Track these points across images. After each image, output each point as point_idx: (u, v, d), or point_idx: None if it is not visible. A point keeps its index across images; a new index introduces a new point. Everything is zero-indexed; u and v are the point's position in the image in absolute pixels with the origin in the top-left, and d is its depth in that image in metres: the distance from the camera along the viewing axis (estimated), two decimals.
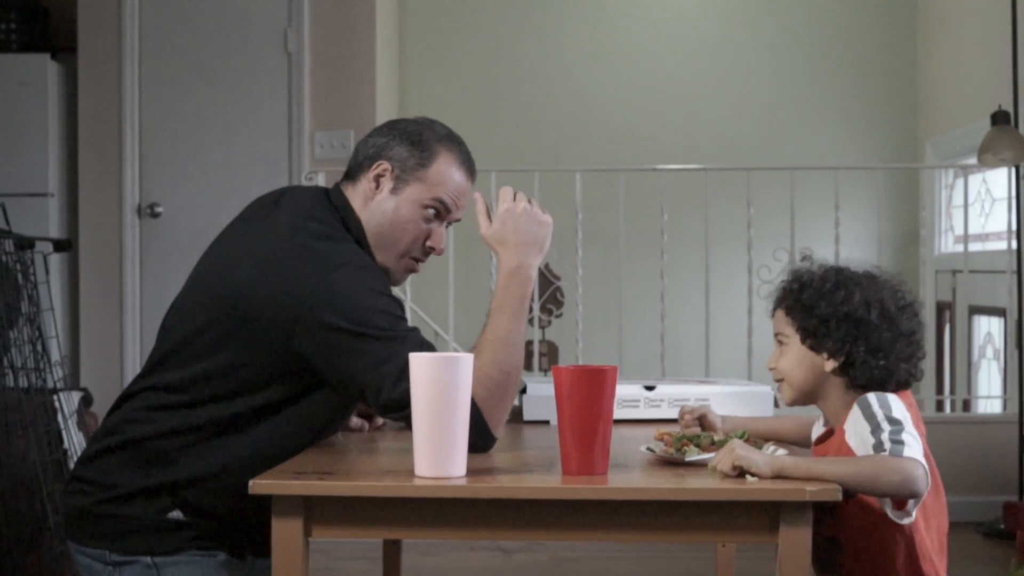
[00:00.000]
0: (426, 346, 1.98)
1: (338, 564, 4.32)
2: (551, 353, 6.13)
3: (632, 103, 7.25)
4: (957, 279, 6.04)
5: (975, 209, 6.37)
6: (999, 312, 5.78)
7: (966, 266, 5.53)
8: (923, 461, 1.79)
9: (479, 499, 1.73)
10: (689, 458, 1.87)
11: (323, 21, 5.44)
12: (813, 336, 1.99)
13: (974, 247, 6.03)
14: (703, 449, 1.88)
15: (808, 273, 2.03)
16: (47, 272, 4.01)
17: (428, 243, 2.17)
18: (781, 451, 1.85)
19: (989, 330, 6.24)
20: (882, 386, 1.96)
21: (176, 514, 2.04)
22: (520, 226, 2.06)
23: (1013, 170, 5.16)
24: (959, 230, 6.34)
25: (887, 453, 1.81)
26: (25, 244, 3.84)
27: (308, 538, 1.75)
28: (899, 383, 1.98)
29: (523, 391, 2.52)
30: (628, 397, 2.48)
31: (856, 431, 1.91)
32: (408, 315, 5.42)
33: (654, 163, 5.87)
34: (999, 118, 4.78)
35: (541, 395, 2.48)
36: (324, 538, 1.76)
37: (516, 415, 2.56)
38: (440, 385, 1.75)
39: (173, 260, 5.25)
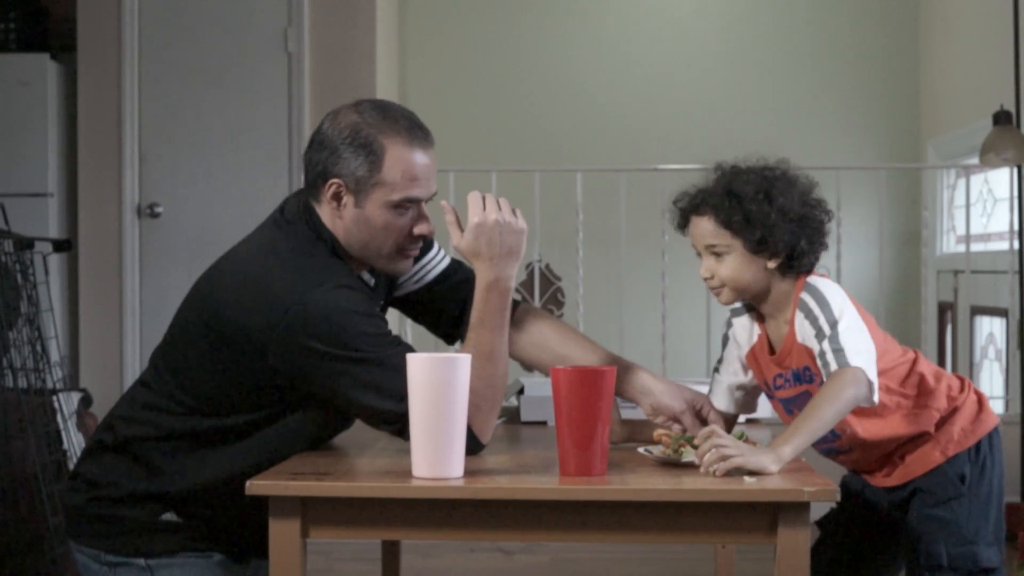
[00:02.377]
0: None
1: (337, 565, 4.31)
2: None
3: (633, 103, 7.25)
4: (959, 279, 6.03)
5: (977, 209, 6.37)
6: (1001, 312, 5.78)
7: (968, 266, 5.52)
8: (860, 364, 1.94)
9: (477, 500, 1.73)
10: (685, 459, 1.87)
11: (323, 21, 5.44)
12: (762, 243, 2.05)
13: (976, 247, 6.03)
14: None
15: (734, 185, 2.08)
16: (47, 272, 4.01)
17: (415, 232, 2.08)
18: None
19: (991, 330, 6.24)
20: (812, 266, 2.10)
21: (170, 516, 2.04)
22: (493, 239, 1.99)
23: (1015, 170, 5.15)
24: (961, 230, 6.33)
25: (833, 365, 1.95)
26: (25, 244, 3.83)
27: (305, 539, 1.75)
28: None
29: (520, 392, 2.52)
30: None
31: (805, 334, 2.04)
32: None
33: (655, 163, 5.86)
34: (1001, 118, 4.77)
35: (539, 396, 2.47)
36: (322, 539, 1.76)
37: (514, 416, 2.56)
38: (438, 386, 1.75)
39: (173, 260, 5.25)
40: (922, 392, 2.17)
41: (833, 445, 2.19)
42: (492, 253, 1.99)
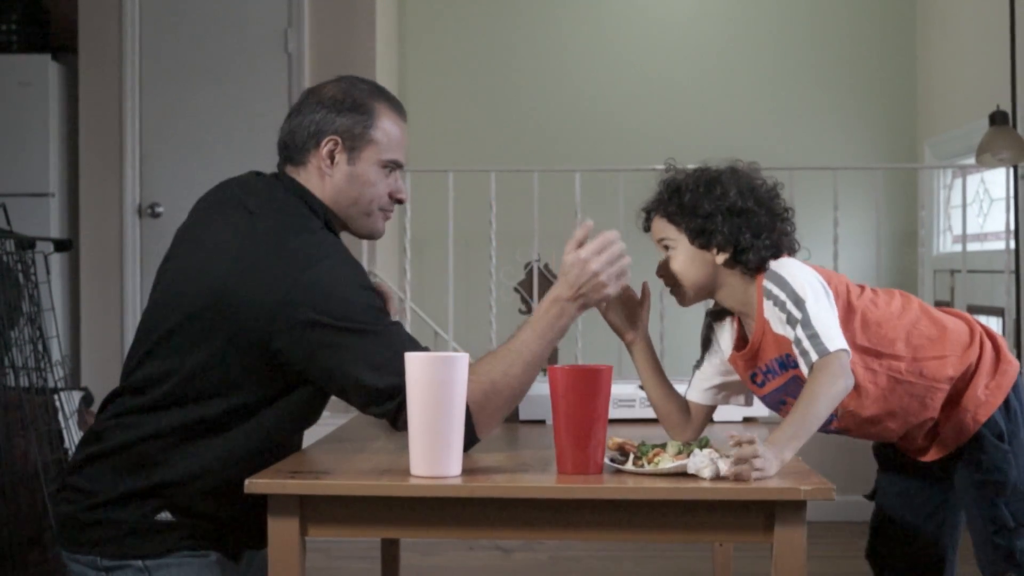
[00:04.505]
0: (408, 339, 2.00)
1: (337, 563, 4.33)
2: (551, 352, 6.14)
3: (632, 103, 7.26)
4: (955, 279, 6.05)
5: (973, 209, 6.38)
6: (997, 312, 5.79)
7: (964, 266, 5.54)
8: (840, 345, 1.92)
9: (475, 498, 1.74)
10: (665, 467, 1.81)
11: (323, 21, 5.45)
12: (701, 234, 2.06)
13: (972, 247, 6.04)
14: (673, 458, 1.83)
15: (679, 178, 2.10)
16: (48, 272, 4.01)
17: (398, 196, 2.20)
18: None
19: None
20: (765, 261, 2.05)
21: (165, 515, 2.04)
22: (584, 281, 2.05)
23: (1011, 170, 5.17)
24: (957, 230, 6.35)
25: (813, 354, 1.92)
26: (26, 244, 3.84)
27: (304, 537, 1.76)
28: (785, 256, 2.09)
29: None
30: (623, 397, 2.49)
31: (777, 320, 2.02)
32: (408, 315, 5.44)
33: (653, 163, 5.85)
34: (997, 118, 4.79)
35: (537, 394, 2.48)
36: (320, 537, 1.77)
37: (512, 414, 2.57)
38: (436, 384, 1.76)
39: None
40: (918, 356, 2.12)
41: (830, 428, 2.16)
42: (575, 283, 2.05)
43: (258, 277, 1.98)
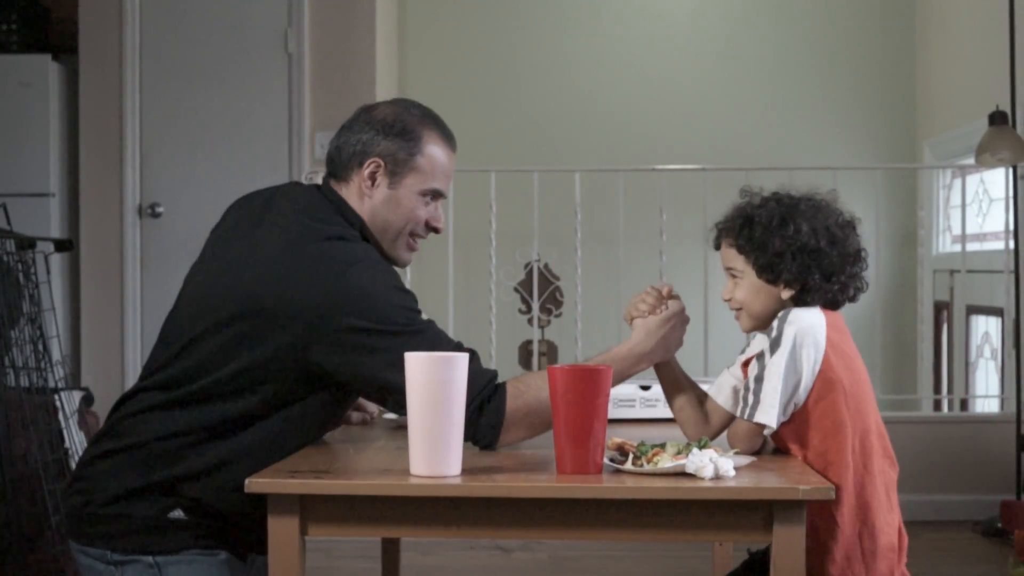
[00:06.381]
0: (444, 337, 2.01)
1: (337, 563, 4.33)
2: (550, 353, 6.14)
3: (631, 103, 7.26)
4: (955, 279, 6.05)
5: (973, 209, 6.38)
6: (997, 312, 5.80)
7: (964, 266, 5.54)
8: (766, 419, 1.93)
9: (474, 498, 1.75)
10: (664, 466, 1.81)
11: (323, 21, 5.45)
12: (769, 271, 2.03)
13: (972, 247, 6.05)
14: (672, 458, 1.84)
15: (753, 209, 2.07)
16: (48, 272, 4.02)
17: (435, 224, 2.23)
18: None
19: (987, 330, 6.25)
20: (835, 305, 2.04)
21: (177, 513, 2.05)
22: (670, 334, 2.19)
23: (1011, 170, 5.17)
24: (957, 230, 6.35)
25: (745, 412, 1.96)
26: (26, 244, 3.85)
27: (304, 536, 1.77)
28: (850, 299, 2.06)
29: None
30: (624, 397, 2.50)
31: (761, 345, 2.00)
32: None
33: (653, 163, 5.88)
34: (997, 118, 4.79)
35: None
36: (320, 536, 1.78)
37: None
38: (435, 384, 1.76)
39: (173, 260, 5.26)
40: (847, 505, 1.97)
41: None
42: (663, 336, 2.19)
43: (294, 284, 2.00)
